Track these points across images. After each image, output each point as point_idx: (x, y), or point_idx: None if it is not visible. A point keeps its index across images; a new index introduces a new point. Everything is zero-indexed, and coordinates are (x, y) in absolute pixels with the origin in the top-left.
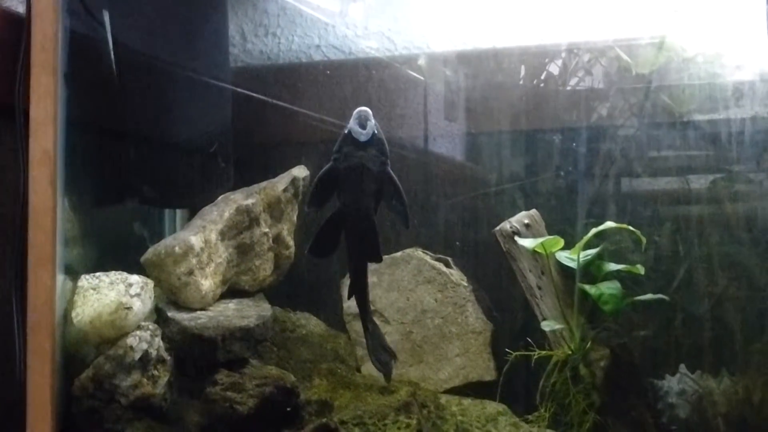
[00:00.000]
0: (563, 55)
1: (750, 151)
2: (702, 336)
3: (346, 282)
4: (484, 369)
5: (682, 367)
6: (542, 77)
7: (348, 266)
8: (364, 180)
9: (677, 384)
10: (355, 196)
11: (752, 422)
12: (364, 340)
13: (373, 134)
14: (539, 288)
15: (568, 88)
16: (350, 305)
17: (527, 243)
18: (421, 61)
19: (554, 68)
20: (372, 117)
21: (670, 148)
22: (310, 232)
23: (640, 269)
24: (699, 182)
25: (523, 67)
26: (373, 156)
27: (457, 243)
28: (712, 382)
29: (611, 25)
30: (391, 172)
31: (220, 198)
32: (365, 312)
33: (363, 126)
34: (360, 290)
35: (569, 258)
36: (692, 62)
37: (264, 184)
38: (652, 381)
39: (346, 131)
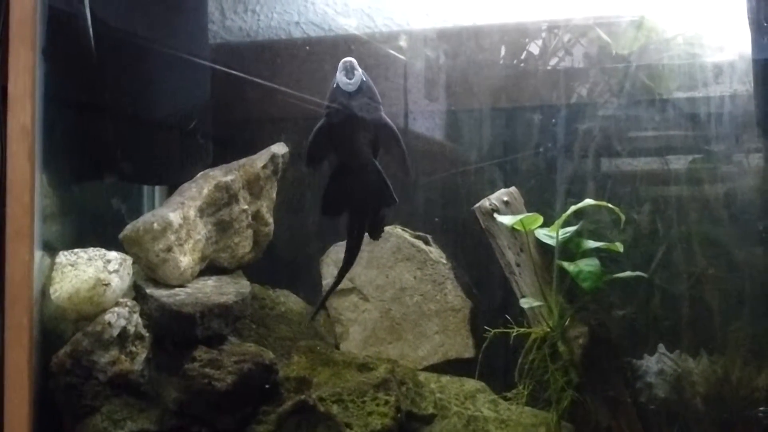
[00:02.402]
0: (543, 34)
1: (728, 130)
2: (681, 316)
3: (326, 260)
4: (462, 346)
5: (661, 347)
6: (522, 56)
7: (348, 220)
8: (359, 130)
9: (656, 363)
10: (353, 148)
11: (731, 402)
12: (343, 318)
13: (361, 82)
14: (518, 265)
15: (548, 67)
16: (329, 282)
17: (506, 220)
18: (402, 39)
19: (534, 47)
20: (358, 66)
21: (649, 127)
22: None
23: (619, 247)
24: (678, 162)
25: (503, 46)
26: (364, 104)
27: (437, 220)
28: (690, 362)
29: (592, 4)
30: (385, 117)
31: (199, 175)
32: (348, 265)
33: (350, 76)
34: (354, 246)
35: (548, 235)
36: (672, 42)
37: (243, 161)
38: (631, 360)
39: (334, 84)
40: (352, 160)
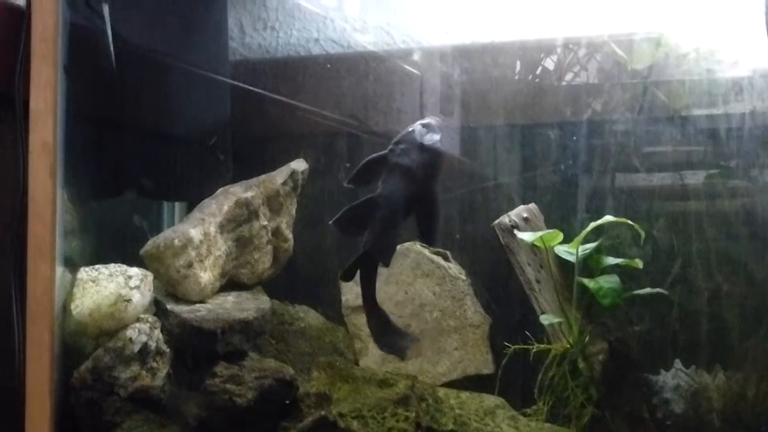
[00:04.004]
0: (559, 50)
1: (745, 146)
2: (697, 331)
3: None
4: (482, 362)
5: (677, 363)
6: (538, 72)
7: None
8: (406, 183)
9: (672, 379)
10: (391, 192)
11: (747, 418)
12: (362, 334)
13: (434, 144)
14: (538, 282)
15: (564, 83)
16: (348, 299)
17: (526, 236)
18: (419, 56)
19: (550, 63)
20: (439, 130)
21: (665, 143)
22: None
23: (639, 263)
24: (694, 177)
25: (519, 62)
26: (424, 165)
27: (457, 236)
28: (707, 378)
29: (607, 20)
30: (435, 188)
31: (219, 191)
32: (367, 299)
33: (429, 131)
34: (368, 278)
35: (568, 252)
36: (687, 58)
37: (263, 177)
38: (647, 376)
39: (410, 129)
40: (385, 201)
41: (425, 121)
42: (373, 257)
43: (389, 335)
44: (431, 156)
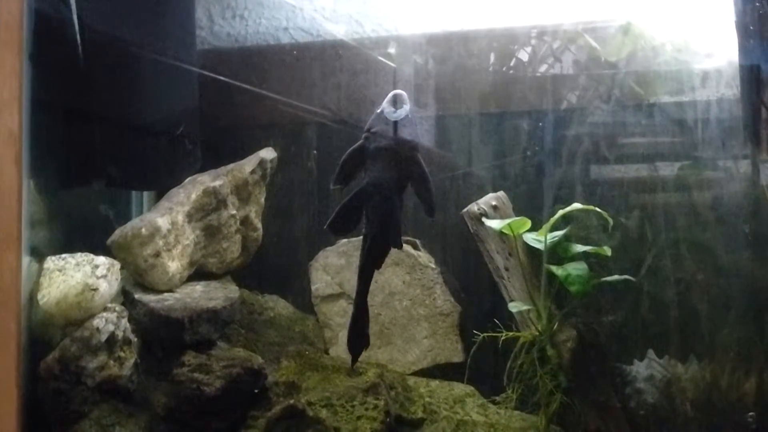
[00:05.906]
0: (533, 40)
1: (716, 135)
2: (670, 321)
3: (315, 265)
4: (451, 351)
5: (650, 353)
6: (512, 63)
7: (362, 245)
8: (391, 162)
9: (645, 369)
10: (380, 177)
11: (720, 407)
12: (332, 323)
13: (405, 117)
14: (506, 269)
15: (538, 73)
16: (318, 288)
17: (494, 224)
18: (391, 45)
19: (524, 54)
20: (407, 101)
21: (637, 134)
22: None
23: (607, 250)
24: (667, 168)
25: (492, 52)
26: (402, 139)
27: (431, 220)
28: (679, 368)
29: (581, 10)
30: (419, 157)
31: (187, 180)
32: (363, 294)
33: (396, 107)
34: (368, 272)
35: (536, 239)
36: (661, 49)
37: (231, 166)
38: (621, 366)
39: (378, 111)
40: (375, 189)
41: (390, 97)
42: (381, 245)
43: (359, 338)
44: (407, 128)
